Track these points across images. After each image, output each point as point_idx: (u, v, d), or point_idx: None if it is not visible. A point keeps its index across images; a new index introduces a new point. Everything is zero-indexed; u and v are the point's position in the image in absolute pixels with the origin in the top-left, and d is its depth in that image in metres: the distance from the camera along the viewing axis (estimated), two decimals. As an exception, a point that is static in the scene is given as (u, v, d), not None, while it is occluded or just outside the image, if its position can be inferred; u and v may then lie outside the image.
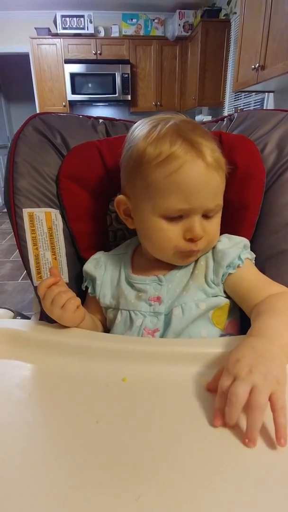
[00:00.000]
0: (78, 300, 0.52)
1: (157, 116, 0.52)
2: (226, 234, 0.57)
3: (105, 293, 0.59)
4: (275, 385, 0.34)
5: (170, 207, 0.49)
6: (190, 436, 0.35)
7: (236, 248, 0.54)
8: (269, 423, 0.36)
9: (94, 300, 0.61)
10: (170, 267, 0.57)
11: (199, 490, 0.29)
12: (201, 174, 0.47)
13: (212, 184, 0.49)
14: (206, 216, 0.51)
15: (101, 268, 0.61)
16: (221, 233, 0.56)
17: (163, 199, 0.49)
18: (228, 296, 0.56)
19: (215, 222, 0.53)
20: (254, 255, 0.57)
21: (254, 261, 0.57)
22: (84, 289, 0.62)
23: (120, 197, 0.55)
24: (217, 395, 0.36)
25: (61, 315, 0.50)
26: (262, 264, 0.58)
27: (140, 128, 0.51)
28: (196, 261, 0.56)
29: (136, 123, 0.54)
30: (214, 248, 0.55)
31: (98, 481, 0.30)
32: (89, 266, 0.61)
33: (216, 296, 0.54)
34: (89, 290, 0.61)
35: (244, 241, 0.56)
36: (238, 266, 0.53)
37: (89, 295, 0.62)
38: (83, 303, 0.55)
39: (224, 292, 0.55)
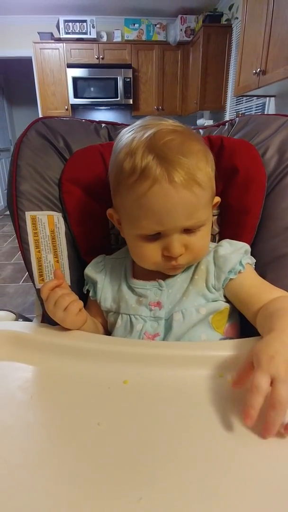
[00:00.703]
0: (81, 303, 0.52)
1: (140, 122, 0.51)
2: (227, 239, 0.58)
3: (106, 297, 0.60)
4: None
5: (143, 229, 0.48)
6: (191, 438, 0.35)
7: (237, 253, 0.55)
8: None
9: (95, 303, 0.61)
10: None
11: (200, 492, 0.29)
12: (170, 196, 0.45)
13: (184, 204, 0.46)
14: (188, 230, 0.49)
15: (102, 272, 0.61)
16: (223, 237, 0.56)
17: (137, 221, 0.48)
18: (227, 300, 0.56)
19: (200, 236, 0.50)
20: (255, 260, 0.57)
21: (254, 266, 0.57)
22: (85, 292, 0.63)
23: (110, 210, 0.56)
24: (252, 393, 0.34)
25: (64, 317, 0.50)
26: (262, 268, 0.58)
27: (124, 137, 0.50)
28: (196, 266, 0.56)
29: (121, 132, 0.53)
30: (215, 253, 0.55)
31: (99, 483, 0.30)
32: (90, 270, 0.62)
33: (216, 300, 0.55)
34: (90, 294, 0.62)
35: (245, 247, 0.56)
36: (239, 272, 0.53)
37: (90, 298, 0.62)
38: (85, 306, 0.55)
39: (224, 296, 0.56)
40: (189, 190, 0.45)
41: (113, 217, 0.56)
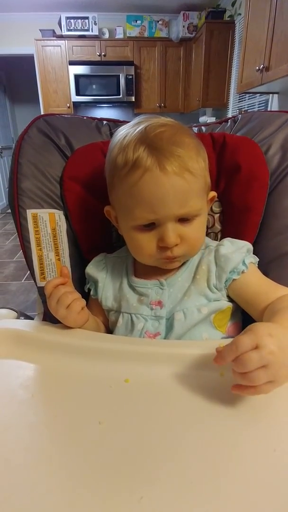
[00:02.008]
0: (83, 302, 0.52)
1: (133, 121, 0.52)
2: (228, 238, 0.57)
3: (107, 296, 0.59)
4: (283, 378, 0.35)
5: (137, 219, 0.49)
6: (193, 437, 0.35)
7: (239, 252, 0.54)
8: (272, 427, 0.36)
9: (96, 302, 0.61)
10: (172, 271, 0.57)
11: (201, 492, 0.29)
12: (160, 184, 0.45)
13: (175, 191, 0.46)
14: (183, 220, 0.49)
15: (103, 270, 0.61)
16: (225, 235, 0.56)
17: (130, 212, 0.49)
18: (230, 300, 0.56)
19: (196, 226, 0.51)
20: (258, 259, 0.57)
21: (257, 265, 0.57)
22: (86, 291, 0.63)
23: (107, 207, 0.57)
24: (230, 346, 0.35)
25: (66, 315, 0.50)
26: (265, 266, 0.58)
27: (117, 135, 0.51)
28: (198, 265, 0.56)
29: (116, 130, 0.54)
30: (216, 252, 0.55)
31: (100, 482, 0.30)
32: (91, 268, 0.62)
33: (218, 300, 0.54)
34: (92, 292, 0.61)
35: (247, 245, 0.56)
36: (243, 272, 0.53)
37: (91, 297, 0.62)
38: (86, 304, 0.55)
39: (227, 295, 0.55)
40: (180, 176, 0.46)
41: (111, 214, 0.56)
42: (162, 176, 0.45)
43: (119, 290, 0.59)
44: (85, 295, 0.62)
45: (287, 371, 0.35)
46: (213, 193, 0.57)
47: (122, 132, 0.50)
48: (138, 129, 0.48)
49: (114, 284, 0.60)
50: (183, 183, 0.46)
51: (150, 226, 0.49)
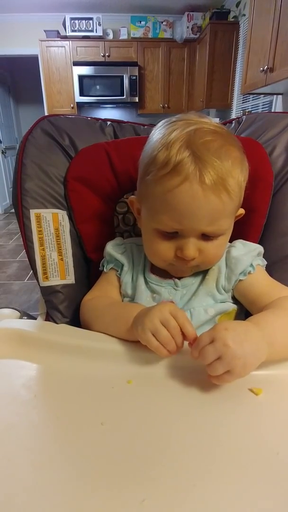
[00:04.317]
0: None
1: (181, 116, 0.49)
2: (241, 240, 0.57)
3: (127, 281, 0.59)
4: (238, 367, 0.37)
5: (162, 224, 0.48)
6: (196, 440, 0.34)
7: (249, 255, 0.54)
8: (275, 430, 0.36)
9: (115, 279, 0.60)
10: None
11: (204, 494, 0.29)
12: (195, 198, 0.44)
13: (208, 208, 0.44)
14: (207, 236, 0.48)
15: (124, 254, 0.60)
16: (230, 237, 0.56)
17: (158, 215, 0.48)
18: (235, 302, 0.55)
19: (217, 244, 0.50)
20: (266, 262, 0.57)
21: (264, 267, 0.56)
22: (106, 270, 0.60)
23: (132, 198, 0.56)
24: (195, 342, 0.40)
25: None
26: (269, 267, 0.58)
27: (163, 126, 0.49)
28: None
29: (160, 122, 0.51)
30: (227, 253, 0.55)
31: (101, 483, 0.30)
32: (112, 249, 0.59)
33: (224, 302, 0.54)
34: (117, 272, 0.60)
35: (258, 248, 0.56)
36: (249, 273, 0.53)
37: (113, 274, 0.60)
38: (95, 280, 0.59)
39: (232, 297, 0.55)
40: (217, 196, 0.44)
41: (134, 205, 0.55)
42: (200, 190, 0.43)
43: (136, 281, 0.58)
44: (85, 291, 0.61)
45: (243, 363, 0.37)
46: (241, 211, 0.54)
47: (168, 125, 0.48)
48: (187, 130, 0.45)
49: (133, 273, 0.59)
50: (218, 202, 0.44)
51: (173, 234, 0.48)
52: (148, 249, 0.54)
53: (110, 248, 0.60)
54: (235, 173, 0.45)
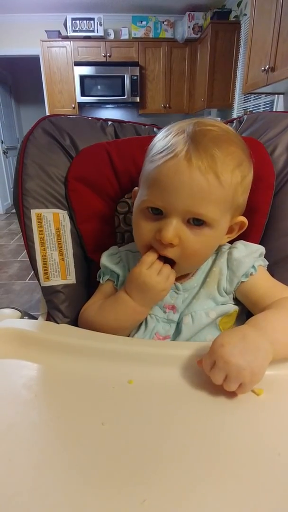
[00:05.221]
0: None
1: (194, 119, 0.48)
2: (242, 241, 0.56)
3: None
4: (248, 377, 0.37)
5: (146, 200, 0.47)
6: (197, 440, 0.34)
7: (251, 257, 0.54)
8: (276, 431, 0.36)
9: (114, 290, 0.59)
10: (188, 275, 0.56)
11: (204, 495, 0.29)
12: (179, 172, 0.43)
13: (193, 186, 0.43)
14: (192, 223, 0.46)
15: (120, 264, 0.59)
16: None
17: (143, 190, 0.48)
18: (237, 303, 0.55)
19: (202, 237, 0.46)
20: (267, 262, 0.56)
21: (266, 268, 0.56)
22: (102, 282, 0.61)
23: (136, 188, 0.55)
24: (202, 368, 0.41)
25: (168, 287, 0.50)
26: (270, 268, 0.57)
27: (172, 124, 0.50)
28: (210, 268, 0.55)
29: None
30: (229, 255, 0.54)
31: (102, 483, 0.30)
32: (107, 261, 0.60)
33: (225, 304, 0.54)
34: (114, 283, 0.60)
35: (260, 249, 0.55)
36: (251, 274, 0.53)
37: (110, 286, 0.60)
38: (95, 280, 0.60)
39: (234, 298, 0.55)
40: (203, 175, 0.43)
41: (134, 196, 0.55)
42: (185, 165, 0.42)
43: None
44: (90, 295, 0.62)
45: (251, 372, 0.37)
46: (241, 218, 0.52)
47: (173, 127, 0.48)
48: (191, 121, 0.46)
49: None
50: (203, 181, 0.43)
51: (157, 215, 0.47)
52: (134, 234, 0.52)
53: (105, 259, 0.60)
54: (230, 163, 0.44)
